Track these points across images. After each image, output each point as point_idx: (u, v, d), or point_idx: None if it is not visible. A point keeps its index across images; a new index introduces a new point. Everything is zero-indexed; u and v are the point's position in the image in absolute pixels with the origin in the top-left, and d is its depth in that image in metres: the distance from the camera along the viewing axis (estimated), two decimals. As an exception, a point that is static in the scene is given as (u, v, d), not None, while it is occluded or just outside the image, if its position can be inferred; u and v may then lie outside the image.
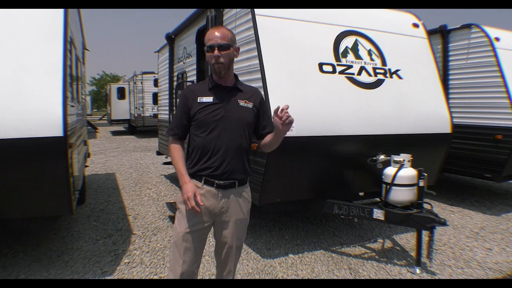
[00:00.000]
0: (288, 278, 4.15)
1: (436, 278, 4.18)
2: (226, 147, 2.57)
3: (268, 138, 2.74)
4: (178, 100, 2.48)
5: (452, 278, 4.20)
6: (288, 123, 2.46)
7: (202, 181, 2.60)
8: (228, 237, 2.72)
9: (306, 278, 4.15)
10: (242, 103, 2.66)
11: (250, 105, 2.69)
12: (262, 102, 2.80)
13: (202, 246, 2.71)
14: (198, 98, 2.61)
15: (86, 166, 7.47)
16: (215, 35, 2.54)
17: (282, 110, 2.42)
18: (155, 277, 4.10)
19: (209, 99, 2.60)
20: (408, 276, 4.23)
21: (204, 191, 2.59)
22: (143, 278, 4.09)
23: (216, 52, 2.52)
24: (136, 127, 21.65)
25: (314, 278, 4.15)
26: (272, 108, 4.15)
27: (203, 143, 2.57)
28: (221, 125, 2.57)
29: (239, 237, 2.78)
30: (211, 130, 2.56)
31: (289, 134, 4.17)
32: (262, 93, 4.18)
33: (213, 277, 4.12)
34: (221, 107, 2.59)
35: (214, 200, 2.62)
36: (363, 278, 4.18)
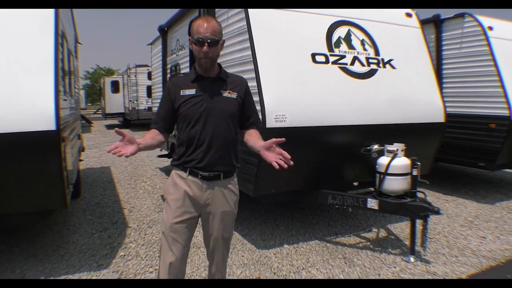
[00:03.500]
0: (283, 268, 4.17)
1: (436, 278, 4.20)
2: (210, 139, 2.54)
3: (250, 141, 2.71)
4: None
5: (446, 266, 4.24)
6: (278, 153, 2.49)
7: (187, 172, 2.59)
8: (214, 229, 2.71)
9: (301, 268, 4.18)
10: (225, 93, 2.62)
11: (234, 95, 2.64)
12: (247, 92, 2.76)
13: (190, 236, 2.70)
14: (181, 91, 2.57)
15: (81, 160, 7.45)
16: (205, 28, 2.44)
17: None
18: (151, 269, 4.11)
19: (192, 91, 2.56)
20: (403, 264, 4.27)
21: (189, 181, 2.59)
22: (139, 270, 4.10)
23: (205, 48, 2.45)
24: (131, 121, 21.61)
25: (313, 278, 4.16)
26: (266, 99, 4.16)
27: (188, 136, 2.56)
28: (205, 117, 2.54)
29: (226, 230, 2.75)
30: (195, 122, 2.54)
31: (282, 125, 4.20)
32: (255, 84, 4.20)
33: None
34: (204, 99, 2.55)
35: (199, 191, 2.60)
36: (363, 275, 4.20)
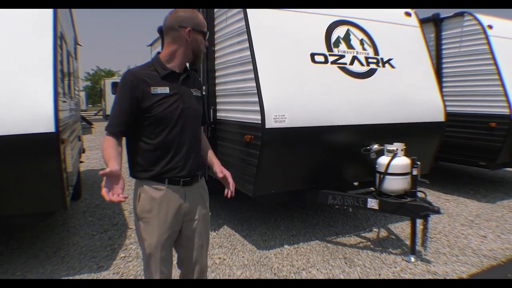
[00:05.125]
0: (283, 268, 4.17)
1: (437, 277, 4.19)
2: (189, 144, 2.35)
3: (206, 156, 2.62)
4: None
5: (447, 265, 4.23)
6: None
7: (166, 182, 2.30)
8: (199, 235, 2.48)
9: (302, 268, 4.17)
10: (194, 92, 2.42)
11: (199, 93, 2.48)
12: (202, 89, 2.62)
13: (171, 252, 2.47)
14: (152, 88, 2.22)
15: (81, 162, 7.45)
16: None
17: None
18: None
19: (165, 89, 2.25)
20: (403, 264, 4.26)
21: (169, 193, 2.31)
22: (140, 272, 4.10)
23: (206, 41, 2.42)
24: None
25: (313, 278, 4.16)
26: (265, 100, 4.15)
27: (164, 142, 2.26)
28: (182, 120, 2.29)
29: (207, 233, 2.58)
30: (173, 126, 2.27)
31: (281, 125, 4.20)
32: (254, 84, 4.20)
33: (208, 269, 4.14)
34: (179, 98, 2.29)
35: (181, 199, 2.35)
36: (363, 275, 4.19)
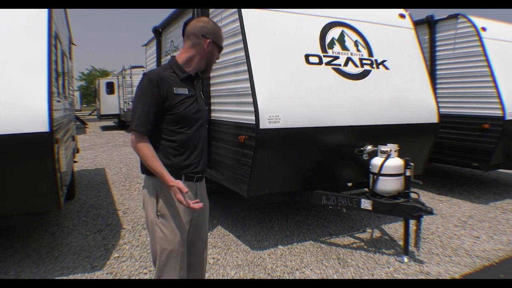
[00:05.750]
0: (277, 269, 4.18)
1: (430, 278, 4.21)
2: (203, 142, 2.54)
3: None
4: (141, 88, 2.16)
5: (440, 266, 4.26)
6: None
7: (183, 178, 2.44)
8: (203, 230, 2.71)
9: (295, 268, 4.19)
10: (201, 94, 2.66)
11: (203, 95, 2.70)
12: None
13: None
14: (174, 88, 2.38)
15: (75, 162, 7.42)
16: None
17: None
18: (145, 271, 4.11)
19: (185, 91, 2.43)
20: (397, 264, 4.28)
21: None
22: (133, 271, 4.10)
23: (218, 55, 2.61)
24: (126, 122, 21.51)
25: (307, 278, 4.17)
26: (259, 100, 4.16)
27: (185, 139, 2.43)
28: (198, 120, 2.50)
29: (207, 229, 2.81)
30: (191, 125, 2.45)
31: (276, 126, 4.22)
32: (248, 85, 4.22)
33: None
34: (195, 100, 2.49)
35: (193, 195, 2.53)
36: (357, 275, 4.21)
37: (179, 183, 2.27)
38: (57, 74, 4.51)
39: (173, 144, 2.41)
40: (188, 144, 2.45)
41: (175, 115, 2.38)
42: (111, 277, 3.99)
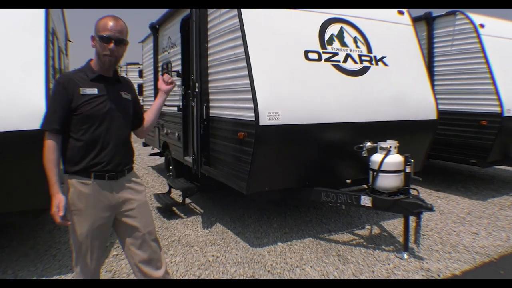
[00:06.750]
0: (277, 266, 4.16)
1: (430, 274, 4.21)
2: (116, 141, 2.53)
3: (148, 113, 2.88)
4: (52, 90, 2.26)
5: (440, 262, 4.25)
6: (170, 82, 2.84)
7: (92, 176, 2.46)
8: (136, 226, 2.62)
9: (295, 265, 4.17)
10: (123, 95, 2.64)
11: (129, 96, 2.69)
12: (135, 93, 2.82)
13: (105, 241, 2.66)
14: (81, 89, 2.43)
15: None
16: (113, 26, 2.46)
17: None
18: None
19: (93, 90, 2.46)
20: (396, 261, 4.27)
21: (96, 187, 2.47)
22: (131, 270, 4.06)
23: (112, 45, 2.45)
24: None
25: (307, 275, 4.16)
26: (259, 97, 4.13)
27: (90, 138, 2.44)
28: (109, 119, 2.49)
29: (147, 223, 2.69)
30: (99, 124, 2.46)
31: (275, 122, 4.19)
32: (248, 81, 4.19)
33: (202, 267, 4.12)
34: (107, 99, 2.50)
35: (108, 193, 2.51)
36: (357, 272, 4.20)
37: (58, 201, 2.38)
38: (54, 71, 4.47)
39: (81, 143, 2.44)
40: (96, 143, 2.46)
41: (82, 114, 2.41)
42: (110, 275, 3.97)
